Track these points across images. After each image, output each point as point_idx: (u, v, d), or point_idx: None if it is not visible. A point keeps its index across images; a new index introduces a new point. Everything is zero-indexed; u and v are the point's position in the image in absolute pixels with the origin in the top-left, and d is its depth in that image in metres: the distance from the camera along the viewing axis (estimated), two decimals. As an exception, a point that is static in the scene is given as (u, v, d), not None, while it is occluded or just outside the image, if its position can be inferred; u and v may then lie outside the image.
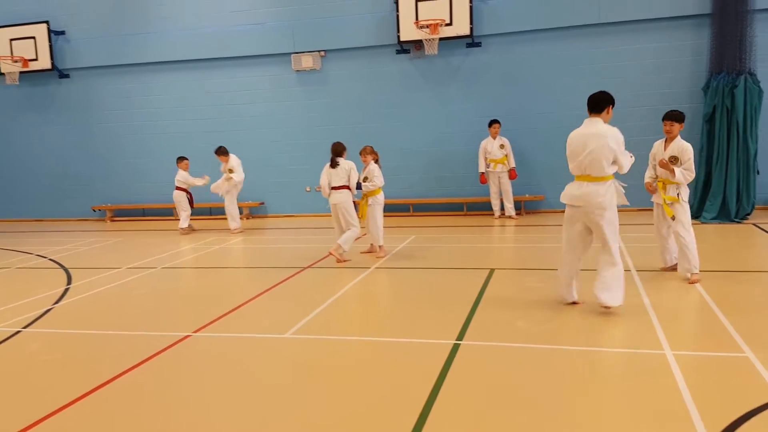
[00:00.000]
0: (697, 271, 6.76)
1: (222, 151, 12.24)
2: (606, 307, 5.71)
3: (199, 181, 12.66)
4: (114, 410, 4.21)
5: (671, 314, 5.71)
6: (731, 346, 4.83)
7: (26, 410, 4.23)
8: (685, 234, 6.71)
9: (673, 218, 6.76)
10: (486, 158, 12.24)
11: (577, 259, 5.95)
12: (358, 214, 9.04)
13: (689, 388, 4.08)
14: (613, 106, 5.78)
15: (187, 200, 12.68)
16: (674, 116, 6.84)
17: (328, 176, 8.61)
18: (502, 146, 12.13)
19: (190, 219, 12.85)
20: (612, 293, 5.65)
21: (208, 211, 14.77)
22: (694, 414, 3.73)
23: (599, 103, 5.76)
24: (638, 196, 8.53)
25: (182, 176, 12.60)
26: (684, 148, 6.75)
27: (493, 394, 4.19)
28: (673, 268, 7.25)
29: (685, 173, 6.69)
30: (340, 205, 8.47)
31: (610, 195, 5.69)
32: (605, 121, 5.75)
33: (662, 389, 4.10)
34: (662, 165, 6.76)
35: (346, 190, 8.51)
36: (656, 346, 4.88)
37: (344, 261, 8.61)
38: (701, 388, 4.10)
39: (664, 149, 6.89)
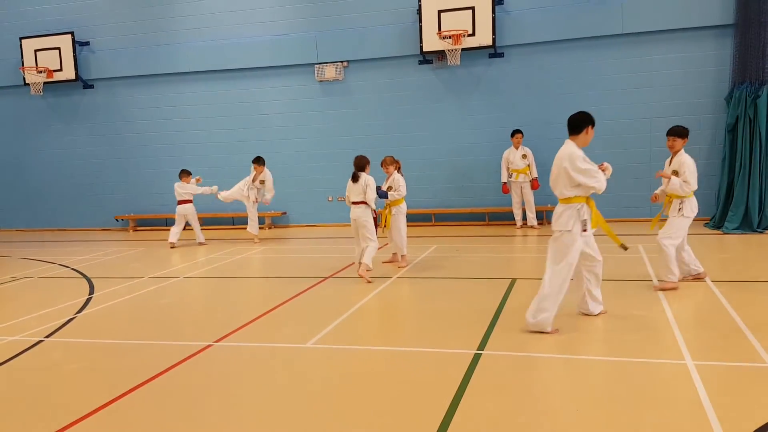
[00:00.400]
0: (673, 280, 6.86)
1: (260, 161, 12.28)
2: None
3: (208, 190, 12.49)
4: (135, 420, 4.26)
5: (692, 324, 5.67)
6: (753, 356, 4.79)
7: (48, 419, 4.29)
8: (668, 246, 6.82)
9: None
10: (508, 168, 12.25)
11: (578, 273, 5.89)
12: (381, 224, 9.09)
13: (710, 398, 4.05)
14: (592, 126, 5.66)
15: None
16: (677, 132, 6.91)
17: (348, 190, 8.52)
18: (524, 156, 12.12)
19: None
20: (539, 316, 5.55)
21: (230, 220, 14.90)
22: (714, 424, 3.70)
23: (578, 125, 5.66)
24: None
25: (190, 188, 12.28)
26: (683, 162, 6.81)
27: (514, 404, 4.18)
28: (697, 277, 7.26)
29: (683, 185, 6.75)
30: (358, 220, 8.34)
31: (566, 219, 5.51)
32: (583, 143, 5.66)
33: (683, 400, 4.08)
34: (659, 175, 7.02)
35: (363, 205, 8.34)
36: (677, 356, 4.85)
37: (368, 281, 8.06)
38: (722, 398, 4.06)
39: (669, 164, 7.02)
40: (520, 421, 3.91)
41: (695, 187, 6.80)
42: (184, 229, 12.38)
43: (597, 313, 6.01)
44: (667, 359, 4.80)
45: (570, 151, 5.53)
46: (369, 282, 8.02)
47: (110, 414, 4.33)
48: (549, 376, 4.65)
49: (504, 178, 12.34)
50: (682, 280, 7.22)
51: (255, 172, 12.30)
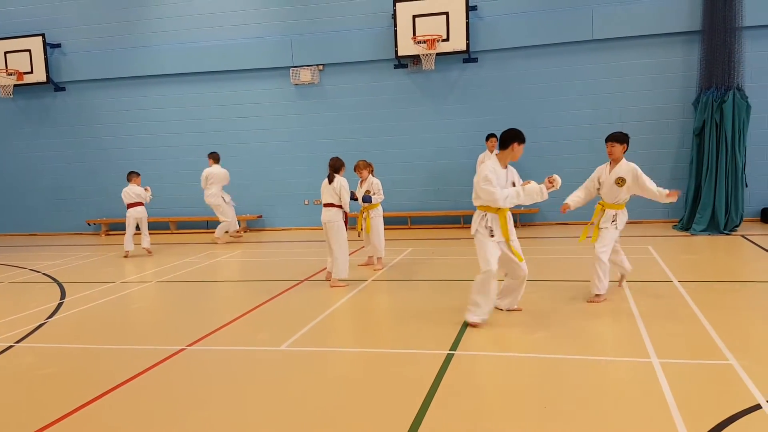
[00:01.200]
0: (600, 293, 6.64)
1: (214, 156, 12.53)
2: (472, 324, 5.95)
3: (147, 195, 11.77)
4: (108, 424, 4.25)
5: (658, 323, 5.79)
6: (716, 353, 4.93)
7: (20, 424, 4.27)
8: (602, 258, 6.62)
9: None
10: None
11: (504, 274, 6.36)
12: (358, 228, 9.14)
13: (674, 394, 4.17)
14: (519, 143, 5.98)
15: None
16: (616, 137, 6.70)
17: (322, 191, 8.31)
18: None
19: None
20: (472, 311, 5.99)
21: (205, 224, 14.83)
22: (677, 420, 3.82)
23: (504, 141, 6.03)
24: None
25: (140, 191, 11.57)
26: (630, 170, 6.66)
27: (484, 402, 4.27)
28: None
29: (659, 189, 6.65)
30: (328, 223, 8.10)
31: (473, 222, 6.16)
32: (511, 157, 6.03)
33: (648, 396, 4.19)
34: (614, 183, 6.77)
35: (335, 209, 8.12)
36: (643, 354, 4.97)
37: (340, 286, 8.04)
38: (686, 394, 4.19)
39: (609, 172, 6.80)
40: (489, 420, 3.99)
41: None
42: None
43: (506, 309, 6.45)
44: (634, 358, 4.93)
45: (483, 166, 5.99)
46: (344, 287, 8.03)
47: (82, 418, 4.32)
48: (519, 375, 4.74)
49: None
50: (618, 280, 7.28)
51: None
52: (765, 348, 5.14)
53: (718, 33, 11.29)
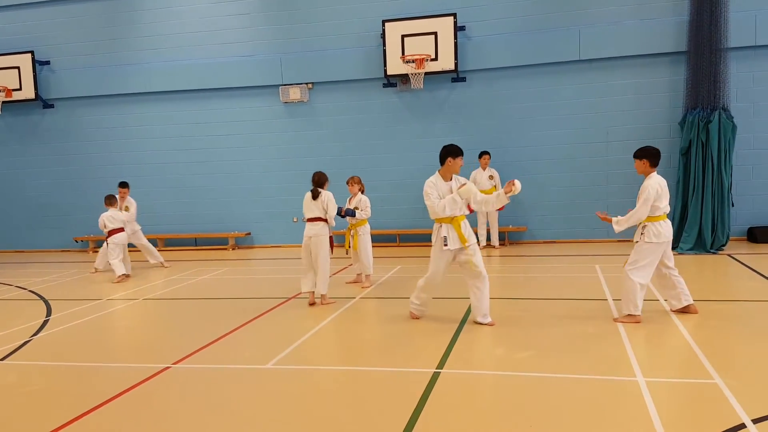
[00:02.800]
0: (629, 313, 6.55)
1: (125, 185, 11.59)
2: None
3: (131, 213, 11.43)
4: (93, 440, 4.21)
5: (644, 343, 5.82)
6: (702, 372, 4.95)
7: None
8: (630, 276, 6.52)
9: None
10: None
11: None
12: (346, 246, 9.15)
13: (659, 413, 4.18)
14: (453, 157, 6.60)
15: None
16: (634, 153, 6.70)
17: (305, 206, 8.16)
18: (491, 177, 12.30)
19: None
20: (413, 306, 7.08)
21: (193, 241, 14.78)
22: (663, 439, 3.82)
23: (441, 157, 6.68)
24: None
25: (121, 216, 10.99)
26: (643, 185, 6.55)
27: (470, 421, 4.25)
28: (684, 310, 6.81)
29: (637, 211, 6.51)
30: (314, 237, 7.91)
31: (433, 237, 6.87)
32: (451, 170, 6.69)
33: (634, 414, 4.20)
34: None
35: (322, 223, 7.99)
36: (629, 373, 4.99)
37: (330, 303, 8.04)
38: (671, 413, 4.21)
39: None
40: (475, 438, 3.98)
41: (642, 212, 6.47)
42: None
43: (483, 323, 6.67)
44: (620, 376, 4.94)
45: (426, 182, 6.74)
46: (332, 302, 8.03)
47: (65, 437, 4.27)
48: (505, 394, 4.74)
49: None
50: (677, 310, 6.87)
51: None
52: (750, 367, 5.15)
53: (703, 54, 11.43)
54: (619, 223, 6.66)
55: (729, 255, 10.68)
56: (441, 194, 6.62)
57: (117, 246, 10.60)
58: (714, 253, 11.03)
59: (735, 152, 11.53)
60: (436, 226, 6.76)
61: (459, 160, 6.64)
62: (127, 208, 11.40)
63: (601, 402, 4.49)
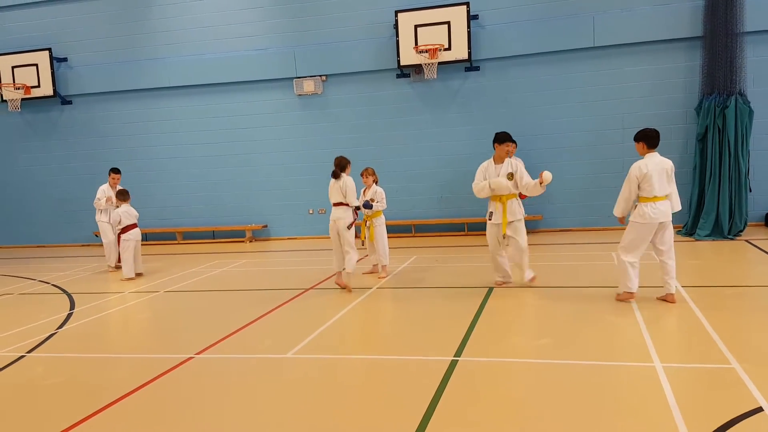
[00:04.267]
0: (624, 290, 6.81)
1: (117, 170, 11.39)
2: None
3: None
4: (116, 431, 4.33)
5: (662, 329, 5.85)
6: (719, 357, 4.96)
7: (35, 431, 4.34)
8: (619, 255, 6.85)
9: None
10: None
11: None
12: (362, 237, 9.23)
13: (677, 398, 4.21)
14: (498, 143, 7.72)
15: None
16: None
17: (330, 190, 8.35)
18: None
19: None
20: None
21: (211, 234, 14.93)
22: (679, 422, 3.86)
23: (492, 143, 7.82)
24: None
25: (134, 211, 10.58)
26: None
27: (488, 408, 4.31)
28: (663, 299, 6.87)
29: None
30: (338, 221, 8.17)
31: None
32: (499, 155, 7.78)
33: (651, 399, 4.23)
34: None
35: (345, 206, 8.25)
36: (647, 359, 5.01)
37: (349, 290, 8.23)
38: (688, 397, 4.24)
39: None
40: (493, 425, 4.04)
41: (625, 193, 6.79)
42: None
43: (527, 279, 7.85)
44: (637, 362, 4.97)
45: (481, 164, 7.89)
46: (350, 292, 8.14)
47: (93, 426, 4.38)
48: (523, 381, 4.80)
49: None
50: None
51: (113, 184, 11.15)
52: (767, 352, 5.16)
53: (719, 39, 11.35)
54: (615, 208, 6.99)
55: (747, 241, 10.64)
56: (488, 177, 7.67)
57: (131, 243, 10.23)
58: (731, 239, 10.98)
59: (752, 137, 11.44)
60: (489, 202, 7.78)
61: (504, 146, 7.69)
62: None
63: (619, 388, 4.53)
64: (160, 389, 5.06)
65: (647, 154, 6.74)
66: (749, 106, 11.26)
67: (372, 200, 9.06)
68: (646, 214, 6.57)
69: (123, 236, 10.31)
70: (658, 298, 6.83)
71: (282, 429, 4.19)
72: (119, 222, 10.28)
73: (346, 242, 8.18)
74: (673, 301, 6.68)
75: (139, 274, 10.40)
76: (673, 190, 6.72)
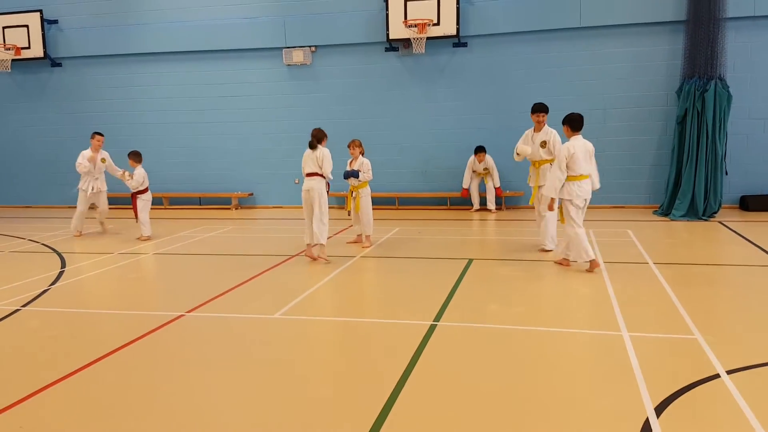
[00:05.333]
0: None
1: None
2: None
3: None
4: (115, 380, 4.58)
5: (632, 301, 6.15)
6: (683, 329, 5.28)
7: (32, 379, 4.58)
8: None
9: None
10: (471, 175, 13.10)
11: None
12: (347, 208, 9.44)
13: (640, 364, 4.51)
14: (532, 112, 8.63)
15: None
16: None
17: (304, 161, 8.46)
18: (485, 169, 12.96)
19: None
20: None
21: (197, 200, 15.08)
22: (641, 385, 4.16)
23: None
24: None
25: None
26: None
27: (464, 368, 4.61)
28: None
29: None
30: (311, 191, 8.23)
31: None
32: (536, 123, 8.60)
33: (615, 365, 4.54)
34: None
35: (319, 177, 8.31)
36: (614, 328, 5.33)
37: (326, 261, 8.30)
38: (651, 364, 4.53)
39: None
40: (467, 382, 4.34)
41: (556, 172, 7.44)
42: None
43: (547, 249, 8.58)
44: (604, 330, 5.27)
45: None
46: (327, 262, 8.27)
47: (91, 374, 4.63)
48: (497, 344, 5.08)
49: (466, 184, 13.09)
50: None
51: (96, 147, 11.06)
52: (729, 325, 5.51)
53: (702, 23, 11.57)
54: (546, 188, 7.63)
55: (720, 222, 10.99)
56: (525, 142, 8.59)
57: (148, 203, 10.58)
58: (706, 220, 11.31)
59: (730, 122, 11.76)
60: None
61: (534, 116, 8.54)
62: (104, 160, 11.13)
63: (587, 355, 4.84)
64: (154, 342, 5.31)
65: (572, 137, 7.46)
66: (728, 91, 11.54)
67: (359, 170, 9.26)
68: (572, 192, 7.35)
69: (141, 197, 10.51)
70: (555, 262, 7.86)
71: (270, 381, 4.45)
72: (142, 182, 10.48)
73: (321, 213, 8.23)
74: (567, 265, 7.65)
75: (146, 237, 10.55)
76: (593, 170, 7.59)
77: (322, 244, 8.31)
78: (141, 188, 10.51)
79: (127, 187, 10.59)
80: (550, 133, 8.48)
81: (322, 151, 8.31)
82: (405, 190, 13.97)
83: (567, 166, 7.28)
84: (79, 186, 11.09)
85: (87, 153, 10.99)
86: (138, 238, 10.50)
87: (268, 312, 6.07)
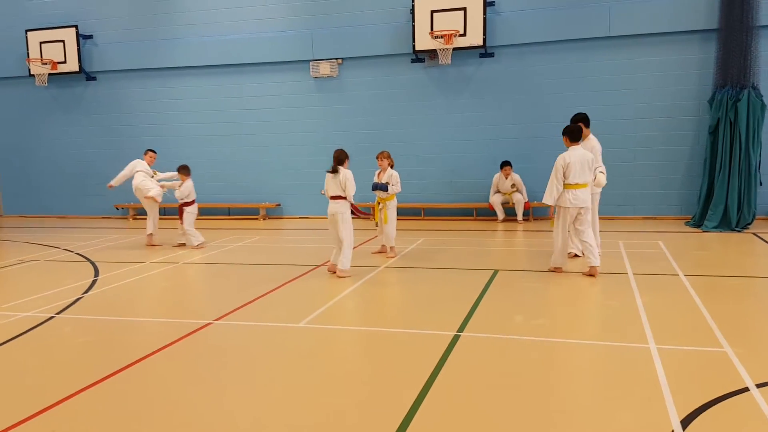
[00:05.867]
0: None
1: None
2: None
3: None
4: (146, 384, 4.67)
5: (660, 313, 6.06)
6: (712, 341, 5.19)
7: (65, 383, 4.69)
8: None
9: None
10: (498, 191, 13.13)
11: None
12: (375, 219, 9.47)
13: (667, 376, 4.44)
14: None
15: None
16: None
17: (327, 184, 8.38)
18: (513, 185, 12.91)
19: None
20: None
21: (226, 211, 15.27)
22: (668, 399, 4.10)
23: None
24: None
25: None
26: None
27: (486, 379, 4.59)
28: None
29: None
30: (336, 215, 8.18)
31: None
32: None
33: (643, 378, 4.46)
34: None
35: (342, 200, 8.21)
36: (642, 340, 5.25)
37: (350, 276, 8.19)
38: (678, 377, 4.46)
39: None
40: (490, 394, 4.32)
41: (553, 181, 7.68)
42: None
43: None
44: (632, 343, 5.20)
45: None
46: (350, 276, 8.14)
47: (122, 379, 4.73)
48: (521, 356, 5.05)
49: (491, 198, 13.06)
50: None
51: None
52: (760, 338, 5.39)
53: (734, 31, 11.42)
54: (546, 196, 7.82)
55: (754, 233, 10.78)
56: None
57: (194, 215, 10.93)
58: (739, 231, 11.11)
59: (764, 131, 11.53)
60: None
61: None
62: (155, 173, 11.52)
63: (612, 367, 4.76)
64: (184, 349, 5.41)
65: (570, 147, 7.74)
66: (762, 100, 11.35)
67: (387, 183, 9.28)
68: (566, 200, 7.64)
69: (188, 209, 10.81)
70: (583, 274, 7.79)
71: (293, 387, 4.49)
72: (188, 195, 10.81)
73: (345, 238, 8.15)
74: (594, 275, 7.64)
75: (182, 244, 10.95)
76: (593, 175, 7.88)
77: (342, 270, 8.14)
78: (188, 200, 10.77)
79: (176, 198, 10.95)
80: (591, 140, 8.46)
81: (345, 173, 8.18)
82: (431, 201, 13.97)
83: (564, 175, 7.61)
84: (146, 188, 11.13)
85: (145, 166, 11.17)
86: (177, 245, 10.91)
87: (293, 321, 6.13)
